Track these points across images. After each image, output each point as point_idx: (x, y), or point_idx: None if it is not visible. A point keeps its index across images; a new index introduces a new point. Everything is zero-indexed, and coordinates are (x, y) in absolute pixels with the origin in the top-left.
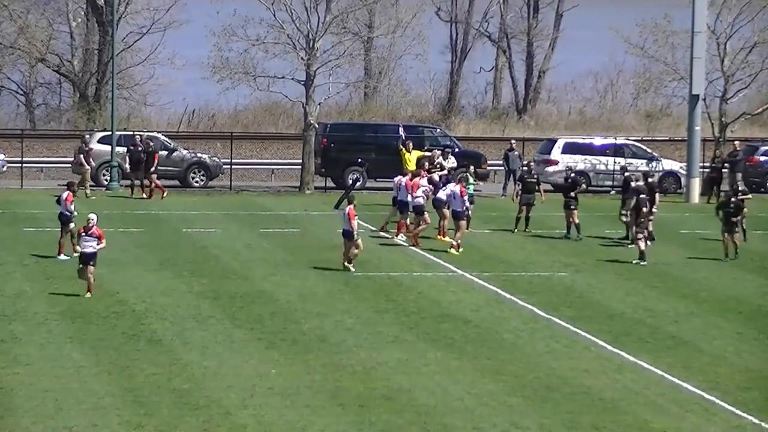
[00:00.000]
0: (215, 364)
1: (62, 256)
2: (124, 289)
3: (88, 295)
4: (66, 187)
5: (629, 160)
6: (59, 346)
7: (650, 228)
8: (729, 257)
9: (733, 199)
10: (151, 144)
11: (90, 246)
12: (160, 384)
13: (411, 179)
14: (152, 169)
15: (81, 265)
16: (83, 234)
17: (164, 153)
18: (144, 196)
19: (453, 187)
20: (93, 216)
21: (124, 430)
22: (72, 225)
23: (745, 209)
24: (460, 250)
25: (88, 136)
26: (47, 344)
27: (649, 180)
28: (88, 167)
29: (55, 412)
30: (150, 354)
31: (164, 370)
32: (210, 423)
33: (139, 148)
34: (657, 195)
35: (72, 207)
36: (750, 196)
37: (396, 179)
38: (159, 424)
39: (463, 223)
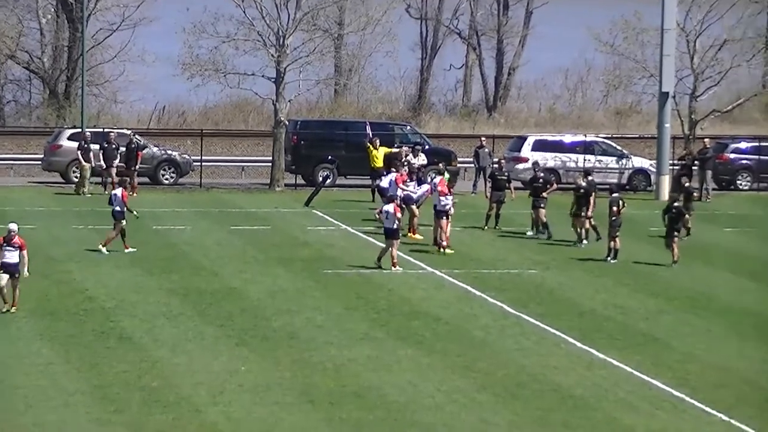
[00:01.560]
0: (185, 361)
1: (129, 250)
2: (93, 286)
3: (14, 309)
4: (118, 185)
5: (599, 157)
6: (28, 343)
7: (587, 226)
8: (676, 262)
9: (675, 204)
10: (135, 140)
11: (12, 257)
12: (129, 381)
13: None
14: (136, 165)
15: (6, 278)
16: (4, 245)
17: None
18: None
19: (435, 184)
20: (13, 226)
21: (94, 427)
22: (124, 222)
23: (687, 215)
24: (448, 251)
25: (89, 133)
26: (17, 341)
27: (589, 178)
28: (86, 164)
29: (25, 409)
30: (120, 351)
31: (134, 367)
32: (180, 420)
33: (113, 145)
34: (594, 194)
35: (126, 204)
36: (696, 194)
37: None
38: (128, 421)
39: (444, 222)
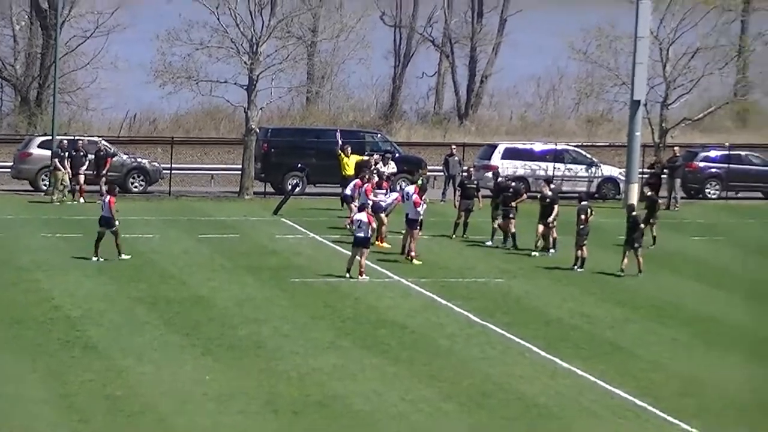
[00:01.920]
0: (151, 370)
1: (123, 256)
2: (60, 295)
3: None
4: (108, 192)
5: (569, 166)
6: None
7: (554, 235)
8: (623, 272)
9: (633, 213)
10: (104, 148)
11: None
12: (94, 390)
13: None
14: (104, 171)
15: None
16: None
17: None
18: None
19: (408, 193)
20: None
21: None
22: (117, 225)
23: (643, 225)
24: (416, 262)
25: (65, 141)
26: None
27: (552, 186)
28: (63, 171)
29: None
30: (85, 360)
31: (99, 377)
32: (145, 429)
33: (81, 153)
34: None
35: (112, 211)
36: (661, 203)
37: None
38: (94, 430)
39: (415, 231)
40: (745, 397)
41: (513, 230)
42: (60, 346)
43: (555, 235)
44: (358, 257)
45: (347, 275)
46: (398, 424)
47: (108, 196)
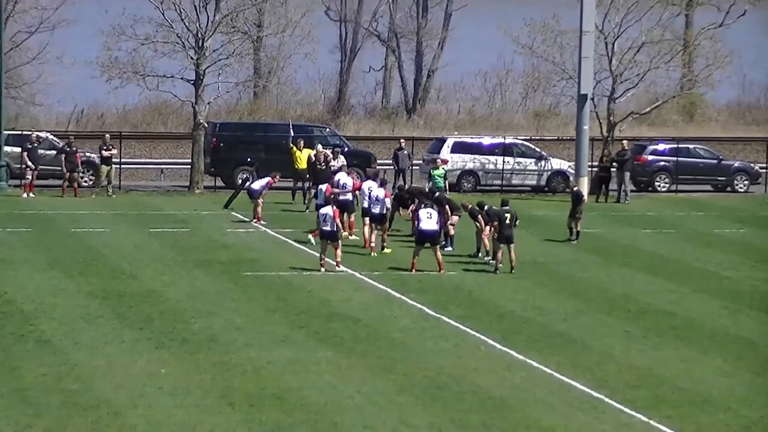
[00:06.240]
0: (104, 364)
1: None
2: (12, 290)
3: None
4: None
5: (518, 159)
6: None
7: (452, 233)
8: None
9: (575, 189)
10: (72, 144)
11: None
12: (49, 384)
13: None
14: (79, 168)
15: None
16: None
17: (52, 152)
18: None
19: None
20: None
21: (13, 431)
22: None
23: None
24: (386, 251)
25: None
26: None
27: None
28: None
29: None
30: (39, 354)
31: (53, 371)
32: (99, 423)
33: (35, 145)
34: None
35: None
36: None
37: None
38: (48, 424)
39: (385, 226)
40: (698, 389)
41: (452, 233)
42: (13, 340)
43: (452, 232)
44: (335, 249)
45: (322, 270)
46: (353, 416)
47: (325, 185)
